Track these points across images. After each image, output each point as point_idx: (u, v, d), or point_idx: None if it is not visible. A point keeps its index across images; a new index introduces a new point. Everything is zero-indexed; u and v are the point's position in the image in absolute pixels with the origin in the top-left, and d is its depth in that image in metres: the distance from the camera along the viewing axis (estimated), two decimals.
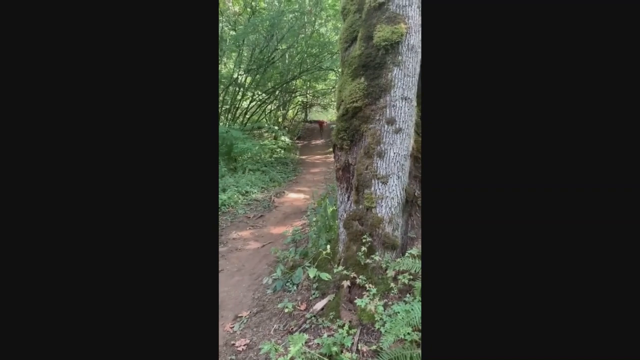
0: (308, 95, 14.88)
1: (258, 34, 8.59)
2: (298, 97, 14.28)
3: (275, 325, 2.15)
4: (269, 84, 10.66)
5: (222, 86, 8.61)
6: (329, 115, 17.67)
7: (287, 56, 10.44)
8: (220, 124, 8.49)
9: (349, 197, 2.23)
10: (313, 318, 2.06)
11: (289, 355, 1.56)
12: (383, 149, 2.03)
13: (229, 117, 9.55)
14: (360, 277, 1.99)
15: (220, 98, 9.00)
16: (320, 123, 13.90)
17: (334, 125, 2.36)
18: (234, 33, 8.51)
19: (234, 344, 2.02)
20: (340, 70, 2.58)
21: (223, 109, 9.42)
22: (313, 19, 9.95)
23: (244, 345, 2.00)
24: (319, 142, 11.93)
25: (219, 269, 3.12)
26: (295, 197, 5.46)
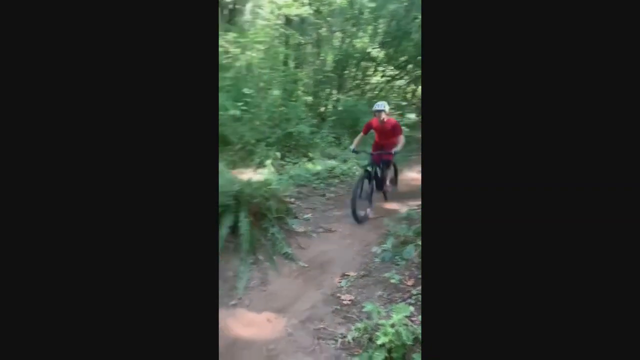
0: None
1: (398, 2, 8.16)
2: None
3: (379, 292, 2.19)
4: (402, 58, 10.14)
5: (354, 61, 8.76)
6: None
7: None
8: (349, 98, 8.76)
9: None
10: (419, 296, 1.99)
11: (391, 321, 1.58)
12: None
13: (359, 92, 9.71)
14: None
15: (352, 74, 9.22)
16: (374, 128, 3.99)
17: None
18: (373, 5, 8.37)
19: (339, 297, 2.18)
20: None
21: (354, 84, 9.64)
22: None
23: (349, 300, 2.13)
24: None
25: (333, 230, 3.37)
26: (413, 176, 5.20)
